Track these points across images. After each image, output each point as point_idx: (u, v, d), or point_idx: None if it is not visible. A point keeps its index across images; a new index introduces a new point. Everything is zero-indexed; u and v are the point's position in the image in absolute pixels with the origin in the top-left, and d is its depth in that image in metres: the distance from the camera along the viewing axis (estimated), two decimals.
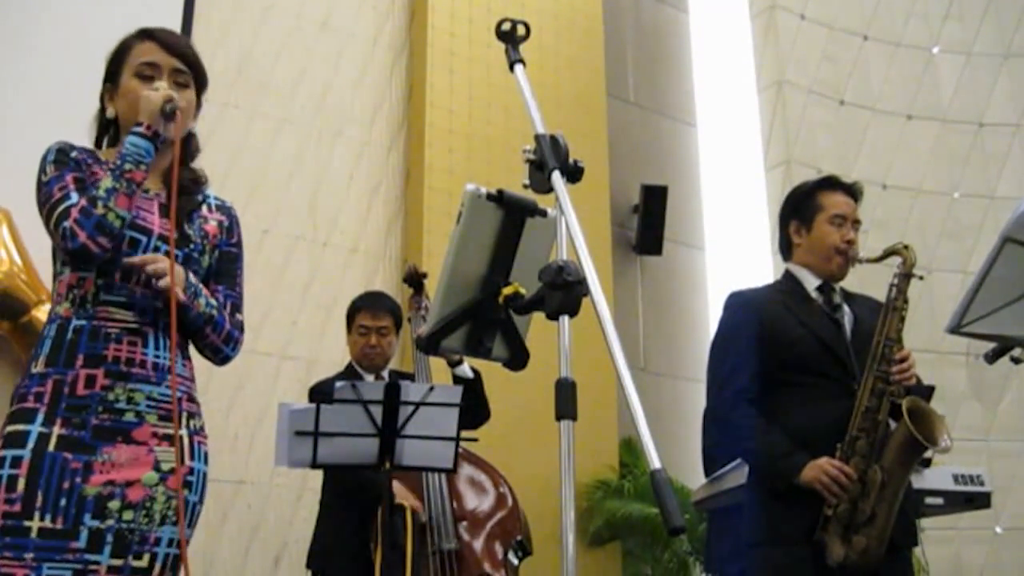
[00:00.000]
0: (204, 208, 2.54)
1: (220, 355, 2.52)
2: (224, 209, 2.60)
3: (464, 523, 3.84)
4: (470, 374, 3.98)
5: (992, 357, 2.90)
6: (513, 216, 2.03)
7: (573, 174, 1.97)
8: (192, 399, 2.44)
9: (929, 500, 4.31)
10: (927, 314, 6.54)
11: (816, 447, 3.00)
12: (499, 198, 2.01)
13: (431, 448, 3.25)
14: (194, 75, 2.51)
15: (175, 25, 5.34)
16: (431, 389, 3.24)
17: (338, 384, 3.20)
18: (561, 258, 1.89)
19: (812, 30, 7.86)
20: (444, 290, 2.03)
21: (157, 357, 2.34)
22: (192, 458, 2.37)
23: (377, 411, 3.16)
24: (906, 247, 3.15)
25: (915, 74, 8.03)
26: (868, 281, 3.58)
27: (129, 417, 2.27)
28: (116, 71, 2.48)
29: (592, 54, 6.81)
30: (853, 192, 3.30)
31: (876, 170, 7.61)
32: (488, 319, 2.04)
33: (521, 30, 2.20)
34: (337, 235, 5.72)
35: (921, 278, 3.14)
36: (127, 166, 2.27)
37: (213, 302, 2.45)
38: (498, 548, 3.83)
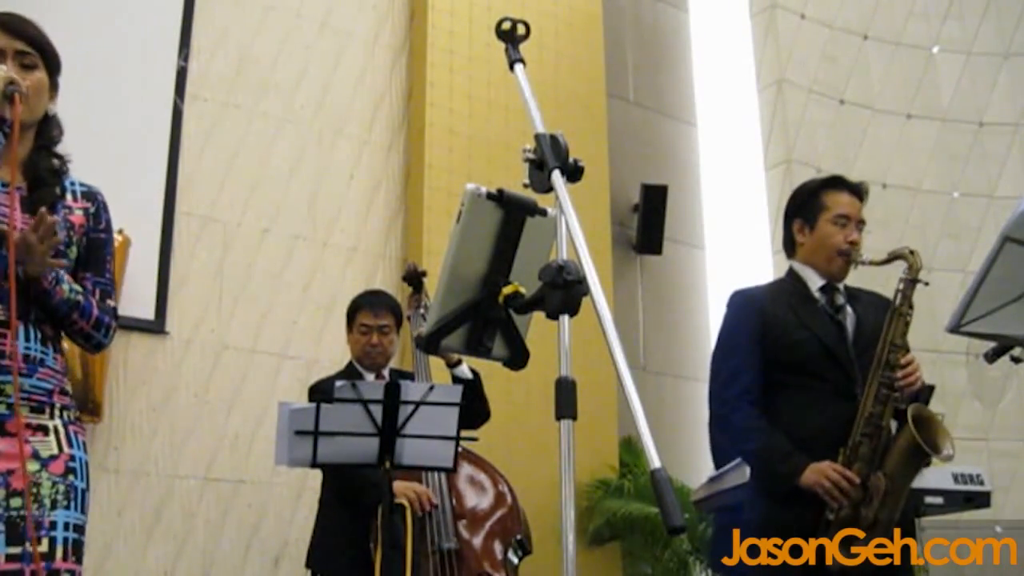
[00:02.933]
0: (68, 197, 2.47)
1: (92, 341, 2.45)
2: (90, 195, 2.52)
3: (463, 522, 3.84)
4: (469, 375, 3.97)
5: (992, 356, 2.89)
6: (513, 215, 2.03)
7: (573, 173, 1.97)
8: (63, 392, 2.39)
9: (929, 499, 4.31)
10: (927, 314, 6.51)
11: (815, 450, 2.98)
12: (499, 197, 2.01)
13: (431, 447, 3.25)
14: (43, 56, 2.44)
15: (175, 25, 5.35)
16: (431, 388, 3.23)
17: (338, 383, 3.20)
18: (561, 257, 1.89)
19: (812, 29, 7.86)
20: (444, 289, 2.02)
21: (27, 349, 2.29)
22: (70, 446, 2.34)
23: (377, 410, 3.16)
24: (912, 252, 3.10)
25: (915, 73, 8.03)
26: (868, 279, 3.57)
27: (0, 409, 2.23)
28: None
29: (592, 53, 6.80)
30: (858, 192, 3.27)
31: (876, 169, 7.61)
32: (488, 318, 2.04)
33: (521, 29, 2.20)
34: (337, 234, 5.72)
35: (927, 284, 3.12)
36: None
37: (78, 288, 2.38)
38: (498, 547, 3.83)
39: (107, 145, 4.80)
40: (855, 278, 3.31)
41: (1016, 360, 2.81)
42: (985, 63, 8.12)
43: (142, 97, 5.09)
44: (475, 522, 3.86)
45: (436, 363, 4.08)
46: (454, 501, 3.86)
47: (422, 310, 4.14)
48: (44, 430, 2.30)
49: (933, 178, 7.85)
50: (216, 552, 4.95)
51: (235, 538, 5.02)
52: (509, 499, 3.94)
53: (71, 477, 2.31)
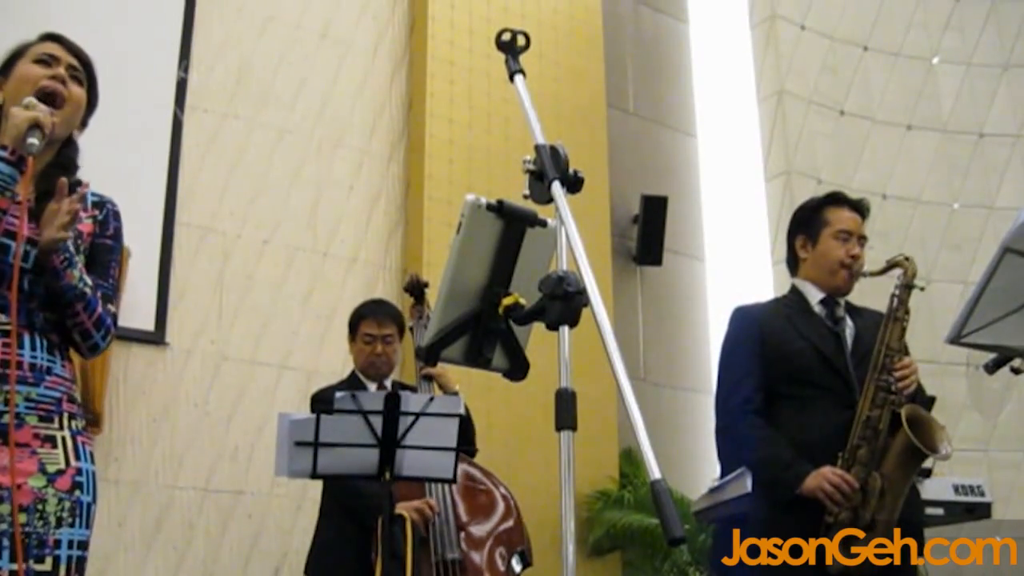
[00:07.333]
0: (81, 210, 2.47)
1: (89, 341, 2.42)
2: (99, 204, 2.53)
3: (465, 532, 3.83)
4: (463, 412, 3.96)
5: (992, 367, 2.90)
6: (513, 226, 2.03)
7: (573, 184, 1.98)
8: (72, 399, 2.37)
9: (929, 510, 4.31)
10: (927, 324, 6.52)
11: (814, 459, 3.03)
12: (499, 208, 2.01)
13: (431, 458, 3.24)
14: (89, 84, 2.50)
15: (175, 36, 5.36)
16: (431, 399, 3.24)
17: (338, 394, 3.20)
18: (561, 268, 1.89)
19: (812, 40, 7.87)
20: (444, 300, 2.02)
21: (34, 358, 2.28)
22: (77, 458, 2.31)
23: (377, 421, 3.16)
24: (907, 259, 3.21)
25: (915, 84, 8.04)
26: (870, 293, 3.59)
27: (7, 419, 2.19)
28: (11, 64, 2.46)
29: (592, 64, 6.81)
30: (859, 208, 3.35)
31: (876, 180, 7.62)
32: (488, 329, 2.04)
33: (521, 41, 2.20)
34: (337, 245, 5.72)
35: (922, 289, 3.18)
36: None
37: (88, 281, 2.36)
38: (500, 557, 3.82)
39: (107, 156, 4.81)
40: (858, 295, 3.34)
41: (1016, 371, 2.81)
42: (985, 74, 8.13)
43: (142, 108, 5.09)
44: (478, 533, 3.85)
45: None
46: (457, 511, 3.85)
47: (424, 320, 4.15)
48: (52, 441, 2.27)
49: (933, 189, 7.86)
50: (216, 563, 4.93)
51: (235, 549, 5.01)
52: (512, 510, 3.94)
53: (77, 492, 2.28)
